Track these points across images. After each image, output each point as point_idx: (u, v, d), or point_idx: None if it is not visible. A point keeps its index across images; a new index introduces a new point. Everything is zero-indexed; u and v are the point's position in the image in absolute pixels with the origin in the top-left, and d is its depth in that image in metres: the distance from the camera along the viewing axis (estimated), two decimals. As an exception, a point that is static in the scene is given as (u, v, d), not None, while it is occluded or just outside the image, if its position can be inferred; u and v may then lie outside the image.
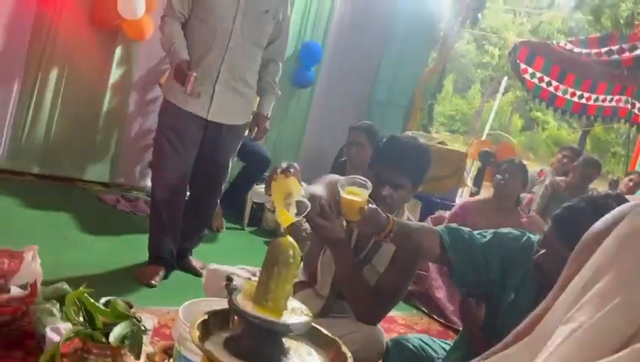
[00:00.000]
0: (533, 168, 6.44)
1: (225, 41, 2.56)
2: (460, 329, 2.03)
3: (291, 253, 1.39)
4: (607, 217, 0.97)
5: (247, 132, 2.89)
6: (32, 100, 3.66)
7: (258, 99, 2.87)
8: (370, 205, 1.58)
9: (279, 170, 1.40)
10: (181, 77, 2.45)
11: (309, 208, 1.46)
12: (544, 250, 1.54)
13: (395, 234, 1.58)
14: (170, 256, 2.75)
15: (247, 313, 1.34)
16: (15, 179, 3.61)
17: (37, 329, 1.77)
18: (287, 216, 1.45)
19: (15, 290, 1.80)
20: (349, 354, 1.43)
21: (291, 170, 1.39)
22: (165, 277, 2.70)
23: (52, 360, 1.50)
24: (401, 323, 2.88)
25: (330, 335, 1.53)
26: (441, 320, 3.04)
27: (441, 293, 3.11)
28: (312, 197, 1.63)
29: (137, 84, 4.06)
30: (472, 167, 5.80)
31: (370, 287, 1.86)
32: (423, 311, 3.14)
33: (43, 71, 3.66)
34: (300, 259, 1.41)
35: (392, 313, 2.85)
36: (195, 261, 2.88)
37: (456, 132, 22.19)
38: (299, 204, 1.44)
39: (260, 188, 4.04)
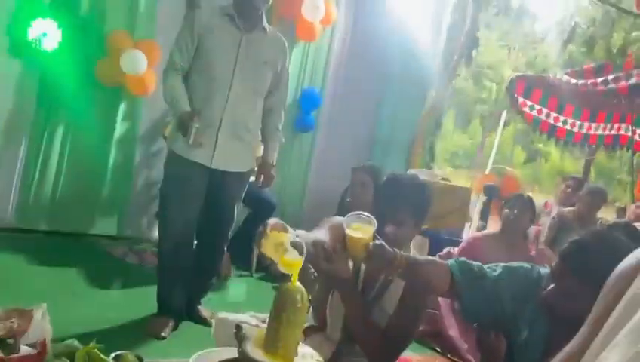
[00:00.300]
0: (538, 200, 6.44)
1: (225, 92, 2.63)
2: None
3: (299, 297, 1.40)
4: (637, 255, 0.98)
5: (252, 178, 2.93)
6: (39, 158, 3.73)
7: (262, 147, 2.92)
8: (375, 241, 1.58)
9: (261, 230, 1.48)
10: (184, 128, 2.51)
11: (310, 250, 1.48)
12: (552, 286, 1.53)
13: (404, 268, 1.58)
14: (179, 307, 2.74)
15: (258, 361, 1.34)
16: (23, 237, 3.64)
17: (48, 388, 1.76)
18: (289, 261, 1.46)
19: (25, 349, 1.79)
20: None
21: (269, 225, 1.49)
22: (175, 328, 2.68)
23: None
24: (415, 364, 2.83)
25: (343, 379, 1.52)
26: (455, 359, 2.99)
27: (454, 332, 3.07)
28: (315, 243, 1.64)
29: (142, 137, 4.13)
30: (477, 201, 5.80)
31: (381, 329, 1.85)
32: (437, 351, 3.09)
33: (49, 128, 3.74)
34: (308, 303, 1.42)
35: (406, 354, 2.81)
36: (204, 310, 2.87)
37: (459, 167, 22.25)
38: (295, 245, 1.47)
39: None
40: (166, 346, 2.50)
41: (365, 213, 1.63)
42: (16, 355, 1.77)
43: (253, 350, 1.38)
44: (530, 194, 3.75)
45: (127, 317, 2.71)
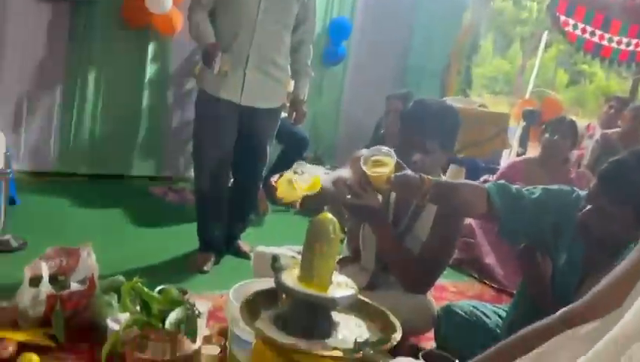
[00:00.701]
0: (581, 123, 6.20)
1: (251, 26, 2.57)
2: (515, 291, 1.99)
3: (331, 228, 1.40)
4: None
5: (283, 115, 2.92)
6: (74, 103, 3.79)
7: (292, 83, 2.89)
8: (397, 173, 1.56)
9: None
10: (208, 59, 2.50)
11: (332, 188, 1.50)
12: (589, 207, 1.48)
13: (434, 193, 1.56)
14: (220, 242, 2.82)
15: (294, 290, 1.37)
16: (66, 181, 3.76)
17: (99, 321, 1.86)
18: (306, 184, 1.49)
19: (75, 286, 1.90)
20: (397, 324, 1.45)
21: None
22: (216, 262, 2.77)
23: (114, 349, 1.58)
24: (452, 290, 2.86)
25: (378, 306, 1.55)
26: (493, 285, 3.00)
27: (491, 259, 3.07)
28: (336, 181, 1.64)
29: (173, 78, 4.14)
30: (517, 128, 5.64)
31: (414, 256, 1.86)
32: (474, 278, 3.10)
33: (82, 74, 3.78)
34: (341, 233, 1.43)
35: (443, 281, 2.85)
36: (244, 245, 2.95)
37: (499, 93, 21.52)
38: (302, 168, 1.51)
39: (302, 165, 4.06)
40: (208, 280, 2.59)
41: (385, 148, 1.61)
42: (67, 291, 1.87)
43: (289, 279, 1.41)
44: (574, 117, 3.60)
45: (170, 254, 2.81)
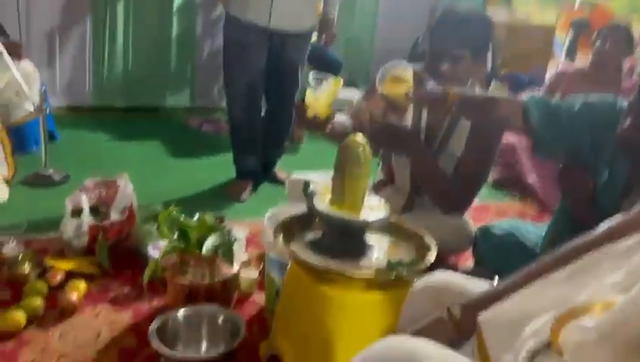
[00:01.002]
0: (637, 30, 5.76)
1: None
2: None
3: (360, 150, 1.36)
4: None
5: (314, 38, 2.82)
6: (105, 36, 3.75)
7: (323, 2, 2.77)
8: (418, 88, 1.48)
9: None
10: None
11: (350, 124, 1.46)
12: (630, 120, 1.36)
13: (461, 107, 1.47)
14: (256, 171, 2.82)
15: (325, 213, 1.36)
16: (103, 115, 3.80)
17: (140, 249, 1.92)
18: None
19: (114, 216, 1.94)
20: (433, 244, 1.42)
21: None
22: (254, 190, 2.79)
23: (155, 275, 1.63)
24: (493, 211, 2.80)
25: (413, 227, 1.52)
26: (535, 205, 2.93)
27: (533, 178, 2.98)
28: (357, 113, 1.57)
29: (201, 5, 4.03)
30: (564, 40, 5.30)
31: (448, 176, 1.81)
32: (516, 197, 3.03)
33: (110, 5, 3.72)
34: (371, 155, 1.39)
35: (484, 201, 2.79)
36: (280, 172, 2.95)
37: (546, 3, 20.27)
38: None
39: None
40: (246, 208, 2.62)
41: (404, 61, 1.52)
42: (108, 221, 1.92)
43: (320, 203, 1.40)
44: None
45: (207, 184, 2.84)
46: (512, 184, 3.08)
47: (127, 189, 1.99)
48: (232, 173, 2.85)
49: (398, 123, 1.81)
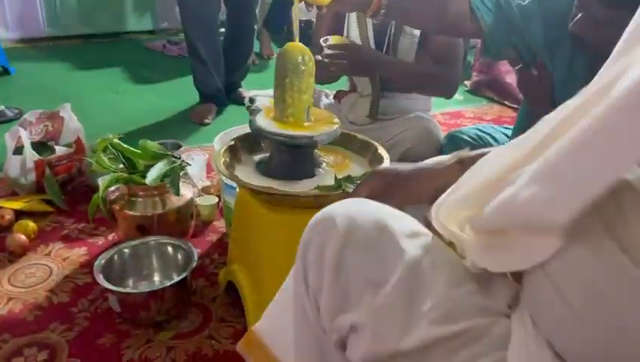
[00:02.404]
0: None
1: None
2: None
3: (300, 59, 1.24)
4: None
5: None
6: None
7: None
8: None
9: None
10: None
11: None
12: (579, 15, 1.23)
13: (390, 5, 1.32)
14: (219, 92, 2.69)
15: (266, 130, 1.25)
16: (59, 45, 3.60)
17: (94, 182, 1.83)
18: None
19: (61, 149, 1.84)
20: (385, 156, 1.33)
21: None
22: (219, 113, 2.67)
23: (103, 208, 1.54)
24: (469, 116, 2.70)
25: (366, 139, 1.42)
26: (513, 106, 2.82)
27: (510, 78, 2.85)
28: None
29: None
30: None
31: (428, 64, 1.71)
32: (494, 100, 2.92)
33: None
34: (313, 64, 1.27)
35: (460, 106, 2.68)
36: (246, 92, 2.81)
37: None
38: None
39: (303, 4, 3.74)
40: (210, 131, 2.50)
41: None
42: (54, 155, 1.82)
43: (264, 121, 1.29)
44: None
45: (172, 109, 2.72)
46: (490, 86, 2.96)
47: (71, 121, 1.88)
48: (196, 97, 2.71)
49: (352, 44, 1.67)
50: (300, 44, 1.25)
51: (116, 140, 1.56)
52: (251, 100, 1.46)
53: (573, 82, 1.41)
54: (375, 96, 1.83)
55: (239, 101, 2.78)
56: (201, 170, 1.98)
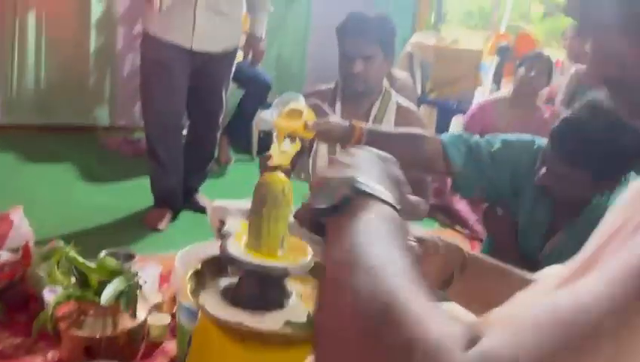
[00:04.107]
0: (556, 56, 6.02)
1: None
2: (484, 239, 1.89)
3: (281, 190, 1.24)
4: None
5: (241, 55, 2.71)
6: (14, 48, 3.48)
7: (249, 19, 2.66)
8: (318, 120, 1.38)
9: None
10: None
11: None
12: (544, 169, 1.36)
13: (369, 142, 1.38)
14: (176, 197, 2.65)
15: (239, 260, 1.22)
16: (12, 134, 3.50)
17: (38, 292, 1.71)
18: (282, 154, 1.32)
19: (6, 255, 1.72)
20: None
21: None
22: (173, 219, 2.61)
23: (48, 325, 1.43)
24: (422, 239, 2.76)
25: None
26: (465, 231, 2.92)
27: (462, 205, 2.98)
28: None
29: (123, 19, 3.83)
30: (491, 64, 5.47)
31: None
32: (447, 225, 3.02)
33: (20, 15, 3.45)
34: (291, 195, 1.28)
35: (413, 228, 2.74)
36: (202, 199, 2.78)
37: (475, 27, 21.19)
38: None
39: (265, 114, 3.86)
40: (164, 238, 2.44)
41: (287, 94, 1.41)
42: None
43: (235, 247, 1.26)
44: (548, 50, 3.45)
45: (124, 211, 2.65)
46: (442, 210, 3.07)
47: (22, 226, 1.77)
48: (150, 199, 2.66)
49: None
50: (282, 175, 1.27)
51: (72, 254, 1.48)
52: (222, 222, 1.44)
53: (535, 227, 1.50)
54: None
55: (195, 207, 2.75)
56: (153, 283, 1.88)
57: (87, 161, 3.24)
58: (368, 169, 0.57)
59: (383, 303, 0.37)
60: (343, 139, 1.38)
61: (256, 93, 3.54)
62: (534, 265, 1.54)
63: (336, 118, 1.41)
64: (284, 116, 1.40)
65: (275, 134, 1.46)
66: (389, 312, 0.36)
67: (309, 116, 1.38)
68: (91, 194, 2.83)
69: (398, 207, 0.52)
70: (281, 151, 1.43)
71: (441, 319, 0.36)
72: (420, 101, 3.89)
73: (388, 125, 1.81)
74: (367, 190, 0.51)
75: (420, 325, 0.35)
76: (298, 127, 1.38)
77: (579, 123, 1.31)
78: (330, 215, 0.52)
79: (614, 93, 0.50)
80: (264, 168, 1.44)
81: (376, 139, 1.40)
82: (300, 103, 1.39)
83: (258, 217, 1.25)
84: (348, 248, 0.45)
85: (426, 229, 2.87)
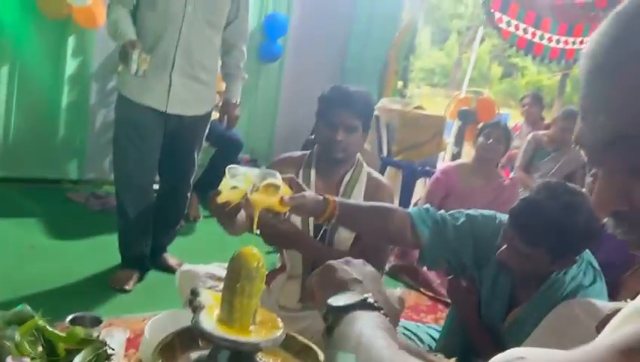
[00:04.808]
0: (514, 115, 6.33)
1: (177, 26, 2.40)
2: (449, 303, 1.96)
3: (255, 265, 1.29)
4: None
5: (215, 115, 2.77)
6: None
7: (224, 85, 2.74)
8: (294, 195, 1.44)
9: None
10: (125, 58, 2.26)
11: None
12: (505, 246, 1.45)
13: (342, 215, 1.46)
14: (144, 257, 2.64)
15: (212, 334, 1.24)
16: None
17: (1, 359, 1.67)
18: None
19: (-31, 322, 1.69)
20: (321, 357, 1.36)
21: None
22: (140, 279, 2.59)
23: (13, 399, 1.41)
24: (388, 301, 2.81)
25: (308, 342, 1.44)
26: (429, 294, 2.99)
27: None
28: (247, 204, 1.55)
29: (96, 74, 3.87)
30: (453, 125, 5.70)
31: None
32: (411, 286, 3.08)
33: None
34: (264, 270, 1.32)
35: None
36: (171, 258, 2.78)
37: (437, 85, 21.98)
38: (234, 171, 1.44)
39: (234, 169, 3.91)
40: (131, 300, 2.42)
41: (268, 170, 1.49)
42: (-40, 328, 1.66)
43: (207, 320, 1.29)
44: (507, 110, 3.64)
45: (90, 271, 2.61)
46: (407, 272, 3.13)
47: (-12, 290, 1.75)
48: (117, 258, 2.64)
49: (284, 223, 1.78)
50: (256, 250, 1.31)
51: (42, 323, 1.48)
52: (193, 293, 1.46)
53: (496, 298, 1.57)
54: (305, 277, 1.88)
55: (163, 267, 2.74)
56: (119, 348, 1.87)
57: (53, 216, 3.20)
58: (370, 283, 0.83)
59: None
60: (317, 212, 1.45)
61: (229, 152, 3.60)
62: (496, 336, 1.62)
63: (310, 192, 1.47)
64: (262, 191, 1.45)
65: (227, 168, 1.52)
66: None
67: (284, 191, 1.45)
68: (57, 251, 2.78)
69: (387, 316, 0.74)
70: (232, 188, 1.48)
71: None
72: (386, 163, 4.03)
73: (359, 193, 1.88)
74: (375, 304, 0.74)
75: None
76: (274, 202, 1.44)
77: (536, 204, 1.41)
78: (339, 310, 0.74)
79: (621, 224, 0.53)
80: (213, 205, 1.47)
81: (348, 213, 1.47)
82: (277, 179, 1.45)
83: (231, 292, 1.29)
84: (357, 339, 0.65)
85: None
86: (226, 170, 1.49)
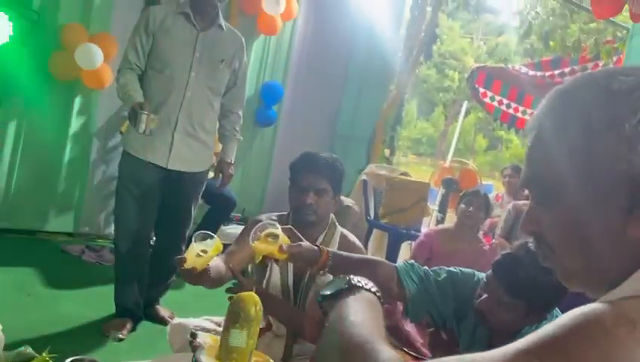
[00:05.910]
0: (498, 186, 6.56)
1: (182, 91, 2.60)
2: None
3: (253, 309, 1.41)
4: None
5: (211, 174, 2.93)
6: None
7: (220, 146, 2.91)
8: (291, 244, 1.58)
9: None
10: (134, 118, 2.42)
11: None
12: (485, 296, 1.57)
13: (334, 264, 1.59)
14: (137, 307, 2.72)
15: (211, 375, 1.35)
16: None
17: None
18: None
19: (-25, 360, 1.77)
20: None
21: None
22: (133, 329, 2.67)
23: None
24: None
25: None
26: (412, 353, 3.06)
27: (409, 326, 3.14)
28: (229, 258, 1.66)
29: (99, 132, 4.06)
30: (437, 194, 5.92)
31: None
32: (394, 345, 3.15)
33: (1, 122, 3.63)
34: (261, 313, 1.44)
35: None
36: (163, 310, 2.86)
37: (422, 154, 22.51)
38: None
39: (228, 229, 4.05)
40: (124, 348, 2.49)
41: (268, 220, 1.64)
42: (-35, 367, 1.74)
43: (206, 359, 1.40)
44: (491, 181, 3.84)
45: (84, 319, 2.68)
46: (390, 331, 3.22)
47: (-7, 330, 1.84)
48: (111, 307, 2.72)
49: (261, 288, 1.88)
50: (254, 294, 1.44)
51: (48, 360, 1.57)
52: (193, 335, 1.56)
53: (475, 349, 1.67)
54: (289, 337, 1.97)
55: (155, 318, 2.82)
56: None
57: (48, 267, 3.28)
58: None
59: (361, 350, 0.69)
60: (312, 260, 1.58)
61: (222, 209, 3.75)
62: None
63: (306, 243, 1.61)
64: (262, 240, 1.60)
65: (195, 235, 1.64)
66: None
67: (283, 240, 1.59)
68: (52, 300, 2.86)
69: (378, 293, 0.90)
70: (197, 255, 1.61)
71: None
72: (373, 225, 4.19)
73: None
74: (359, 284, 0.91)
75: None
76: (274, 249, 1.58)
77: (515, 259, 1.55)
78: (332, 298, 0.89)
79: (539, 247, 0.76)
80: (179, 271, 1.58)
81: (339, 262, 1.61)
82: (277, 229, 1.60)
83: (230, 333, 1.40)
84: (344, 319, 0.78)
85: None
86: (193, 237, 1.63)
